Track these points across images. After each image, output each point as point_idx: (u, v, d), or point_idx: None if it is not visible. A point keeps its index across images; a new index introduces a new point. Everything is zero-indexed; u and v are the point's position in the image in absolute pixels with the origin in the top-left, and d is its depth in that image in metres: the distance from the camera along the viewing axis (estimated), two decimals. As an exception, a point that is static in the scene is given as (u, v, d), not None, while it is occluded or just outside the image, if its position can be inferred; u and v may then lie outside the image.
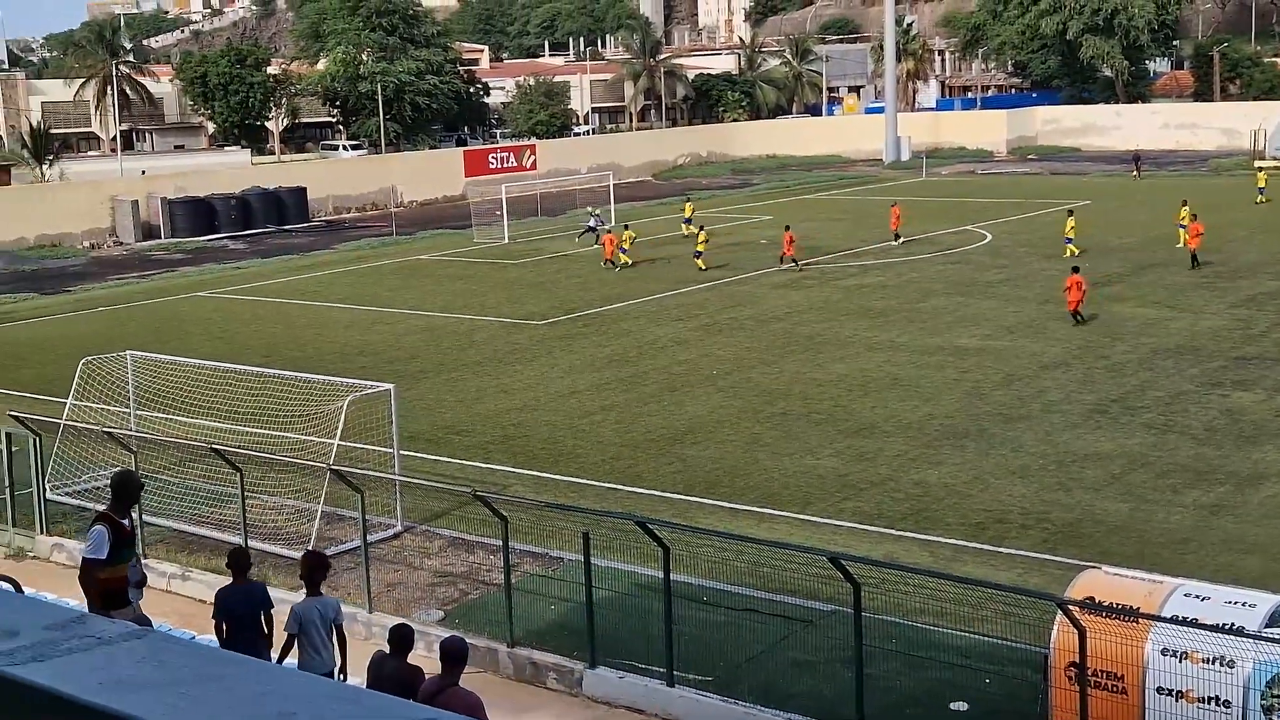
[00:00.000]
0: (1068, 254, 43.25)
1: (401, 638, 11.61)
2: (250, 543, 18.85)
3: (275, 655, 12.57)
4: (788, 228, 45.81)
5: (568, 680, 15.45)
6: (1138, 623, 12.12)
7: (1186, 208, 45.79)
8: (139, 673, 1.93)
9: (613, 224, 53.78)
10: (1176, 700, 11.90)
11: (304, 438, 21.74)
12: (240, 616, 12.81)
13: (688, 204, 56.95)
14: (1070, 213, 45.51)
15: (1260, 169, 59.38)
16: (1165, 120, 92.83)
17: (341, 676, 12.52)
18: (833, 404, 27.06)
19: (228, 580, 13.67)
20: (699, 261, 44.52)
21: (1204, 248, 41.52)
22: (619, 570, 16.97)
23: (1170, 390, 27.04)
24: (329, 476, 18.89)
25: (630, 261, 46.16)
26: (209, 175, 68.64)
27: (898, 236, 49.22)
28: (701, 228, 47.07)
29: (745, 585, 16.89)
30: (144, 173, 71.48)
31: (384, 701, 1.80)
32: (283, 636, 12.70)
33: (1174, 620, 11.94)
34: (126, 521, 12.02)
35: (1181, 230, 44.95)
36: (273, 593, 13.53)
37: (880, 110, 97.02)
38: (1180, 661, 11.86)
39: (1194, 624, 11.80)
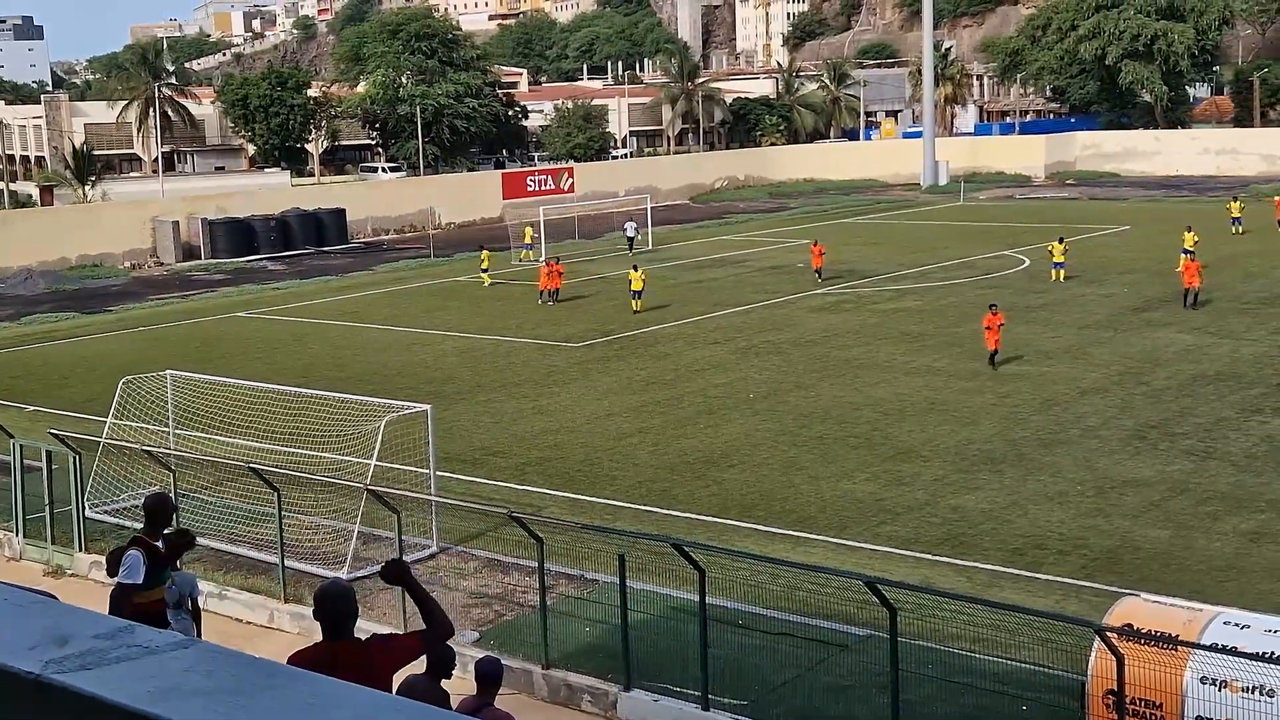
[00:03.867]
0: (1054, 277, 43.72)
1: (442, 661, 11.60)
2: (287, 562, 18.95)
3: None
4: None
5: (602, 703, 15.43)
6: (1177, 650, 12.01)
7: (1191, 233, 45.98)
8: (187, 681, 1.96)
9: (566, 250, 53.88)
10: (1217, 730, 11.77)
11: (341, 458, 21.86)
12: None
13: (484, 252, 53.33)
14: (1060, 240, 45.46)
15: (1235, 198, 58.78)
16: (1205, 146, 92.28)
17: None
18: (870, 428, 26.97)
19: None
20: (635, 303, 41.81)
21: (1244, 273, 41.24)
22: (654, 593, 16.94)
23: (1210, 417, 26.80)
24: (365, 496, 18.98)
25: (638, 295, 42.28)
26: (249, 196, 69.28)
27: (819, 274, 46.64)
28: (635, 266, 43.79)
29: (780, 609, 16.83)
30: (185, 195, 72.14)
31: (430, 713, 1.82)
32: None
33: (1213, 648, 11.82)
34: (160, 544, 12.11)
35: (1183, 256, 45.12)
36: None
37: (918, 135, 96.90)
38: (1220, 690, 11.74)
39: (1234, 652, 11.68)
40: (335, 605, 6.96)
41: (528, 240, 58.28)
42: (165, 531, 12.21)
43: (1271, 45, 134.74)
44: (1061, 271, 44.30)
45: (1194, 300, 38.66)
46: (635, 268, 43.36)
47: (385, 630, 16.33)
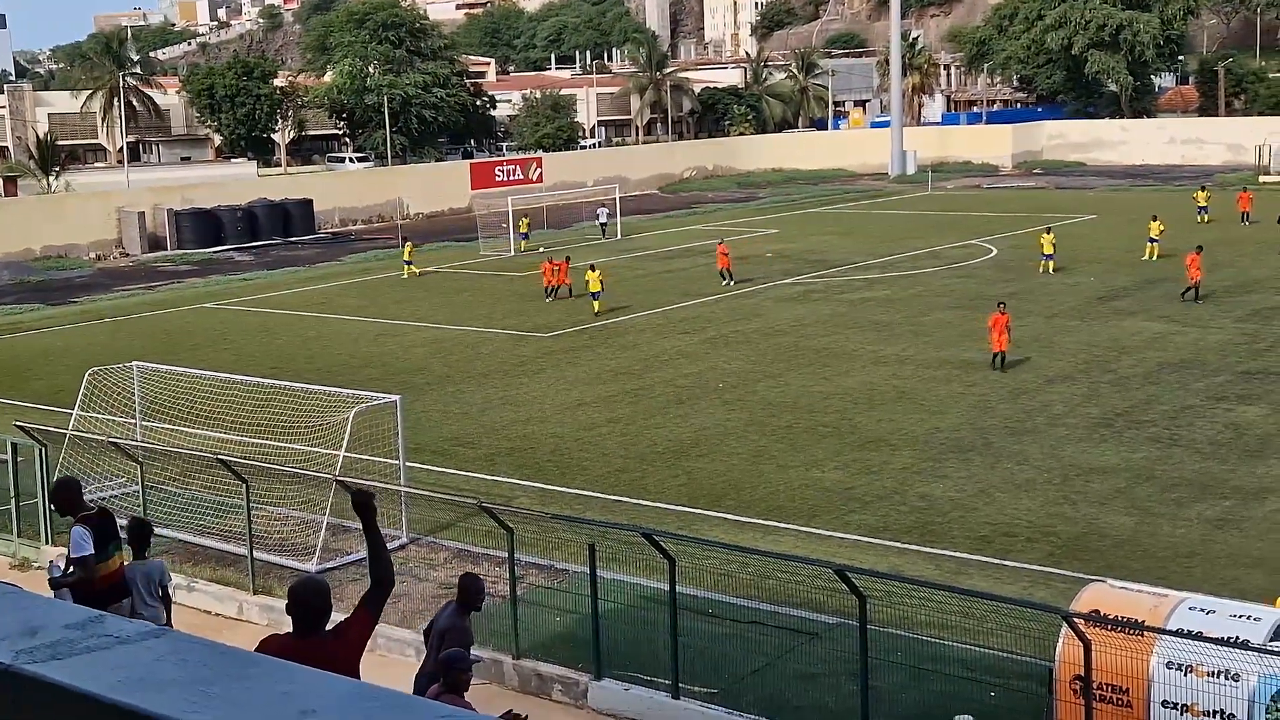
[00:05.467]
0: (1043, 269, 43.66)
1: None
2: (256, 554, 18.88)
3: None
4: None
5: (573, 692, 15.45)
6: (1143, 636, 12.11)
7: (1156, 222, 46.40)
8: (159, 671, 1.95)
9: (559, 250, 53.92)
10: (1181, 714, 11.89)
11: (310, 449, 21.78)
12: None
13: (407, 244, 52.75)
14: (1048, 229, 45.53)
15: (1203, 187, 59.35)
16: (1171, 135, 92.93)
17: None
18: (839, 417, 27.07)
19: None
20: (596, 304, 39.76)
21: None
22: (625, 582, 16.96)
23: (1176, 404, 27.03)
24: (335, 488, 18.91)
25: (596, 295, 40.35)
26: (215, 187, 68.80)
27: (725, 276, 44.20)
28: (593, 266, 41.34)
29: (751, 598, 16.89)
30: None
31: (403, 699, 1.82)
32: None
33: (1179, 634, 11.94)
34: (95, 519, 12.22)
35: (1151, 244, 46.15)
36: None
37: (886, 124, 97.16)
38: (1185, 675, 11.85)
39: (1199, 637, 11.80)
40: (309, 602, 6.95)
41: (523, 230, 58.08)
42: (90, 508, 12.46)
43: (1236, 35, 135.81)
44: (1051, 263, 43.94)
45: (1195, 294, 38.00)
46: (593, 267, 40.94)
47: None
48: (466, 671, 11.18)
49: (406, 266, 50.50)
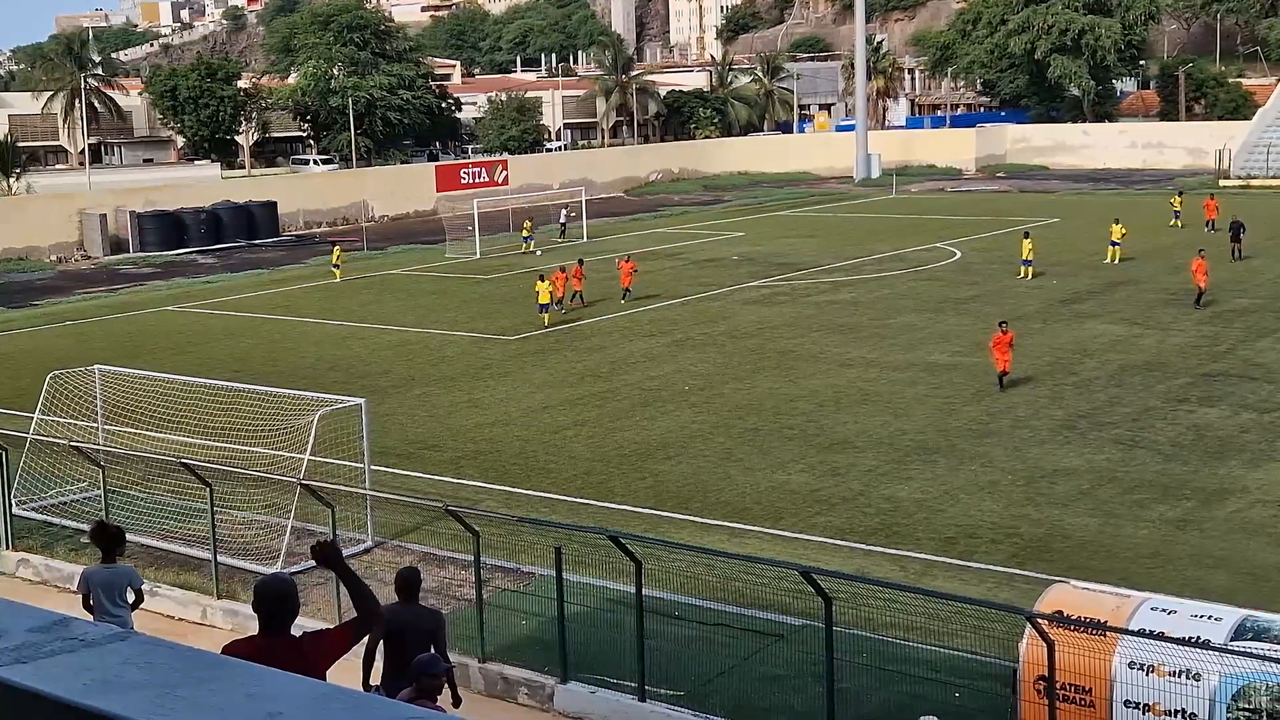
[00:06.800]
0: (1022, 274, 43.70)
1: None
2: (220, 558, 18.77)
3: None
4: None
5: (539, 695, 15.43)
6: (1105, 636, 12.20)
7: (1119, 225, 46.75)
8: (125, 674, 1.94)
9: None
10: (1144, 713, 11.98)
11: (274, 453, 21.65)
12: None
13: (336, 248, 52.57)
14: (1026, 234, 45.60)
15: (1180, 193, 59.91)
16: (1132, 139, 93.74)
17: None
18: (804, 419, 27.15)
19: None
20: (544, 317, 38.58)
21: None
22: (591, 585, 16.95)
23: (1138, 406, 27.25)
24: (299, 491, 18.82)
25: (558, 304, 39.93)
26: (178, 189, 68.33)
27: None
28: (542, 277, 40.08)
29: (717, 600, 16.90)
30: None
31: (369, 700, 1.82)
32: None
33: (1141, 634, 12.03)
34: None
35: (1113, 248, 46.55)
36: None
37: (851, 128, 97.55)
38: (1147, 675, 11.95)
39: (1161, 637, 11.90)
40: (275, 599, 6.91)
41: (526, 232, 57.58)
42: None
43: (1196, 41, 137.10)
44: (1030, 269, 43.85)
45: (1199, 299, 37.77)
46: (542, 277, 39.38)
47: (319, 625, 16.23)
48: (439, 676, 11.16)
49: (335, 270, 50.42)
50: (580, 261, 43.67)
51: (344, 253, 52.55)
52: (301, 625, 7.18)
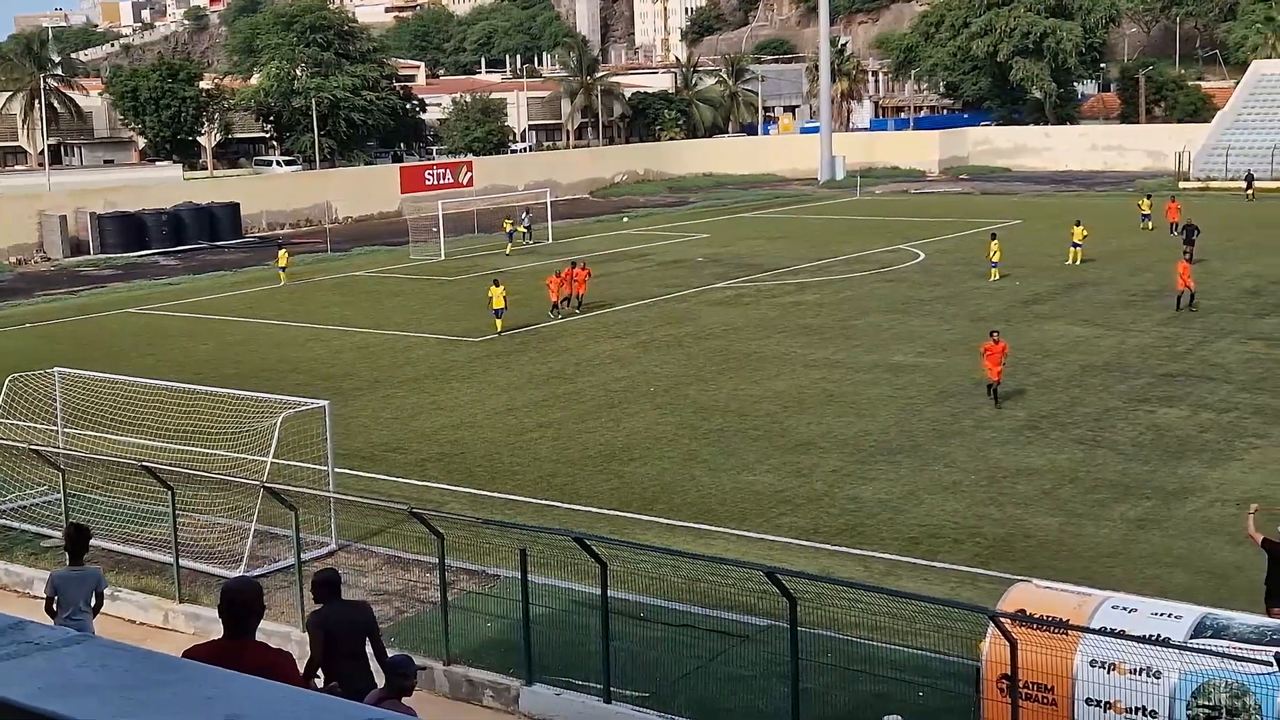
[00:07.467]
0: (992, 278, 43.89)
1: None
2: (182, 562, 18.63)
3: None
4: (581, 264, 42.20)
5: (504, 698, 15.40)
6: (1067, 635, 12.29)
7: (1080, 227, 47.14)
8: (82, 677, 1.93)
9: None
10: (1105, 711, 12.07)
11: (237, 455, 21.51)
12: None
13: (282, 252, 52.03)
14: (994, 236, 45.81)
15: (1148, 196, 60.40)
16: (1093, 142, 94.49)
17: None
18: (769, 420, 27.21)
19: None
20: (498, 323, 37.42)
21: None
22: (556, 587, 16.94)
23: (1099, 406, 27.46)
24: (262, 494, 18.71)
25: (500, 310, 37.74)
26: (140, 190, 67.80)
27: (564, 304, 40.30)
28: (496, 281, 38.90)
29: (682, 601, 16.92)
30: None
31: (329, 702, 1.81)
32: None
33: (1102, 632, 12.12)
34: None
35: (1074, 249, 47.03)
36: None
37: (815, 130, 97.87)
38: (1108, 673, 12.03)
39: (1122, 636, 11.99)
40: (239, 603, 6.88)
41: (510, 228, 57.73)
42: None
43: (1156, 44, 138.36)
44: (997, 271, 44.04)
45: (1183, 301, 37.60)
46: (496, 283, 38.36)
47: (283, 628, 16.18)
48: (411, 677, 11.12)
49: (281, 273, 50.17)
50: (573, 264, 42.09)
51: (293, 256, 52.25)
52: (265, 630, 7.13)
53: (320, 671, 12.20)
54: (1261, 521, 16.15)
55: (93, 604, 13.16)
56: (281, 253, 51.75)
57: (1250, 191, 68.52)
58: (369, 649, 12.39)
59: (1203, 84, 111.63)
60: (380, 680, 11.92)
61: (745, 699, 14.68)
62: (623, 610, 15.99)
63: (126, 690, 1.87)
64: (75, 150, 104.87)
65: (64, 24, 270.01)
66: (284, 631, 16.05)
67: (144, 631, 17.82)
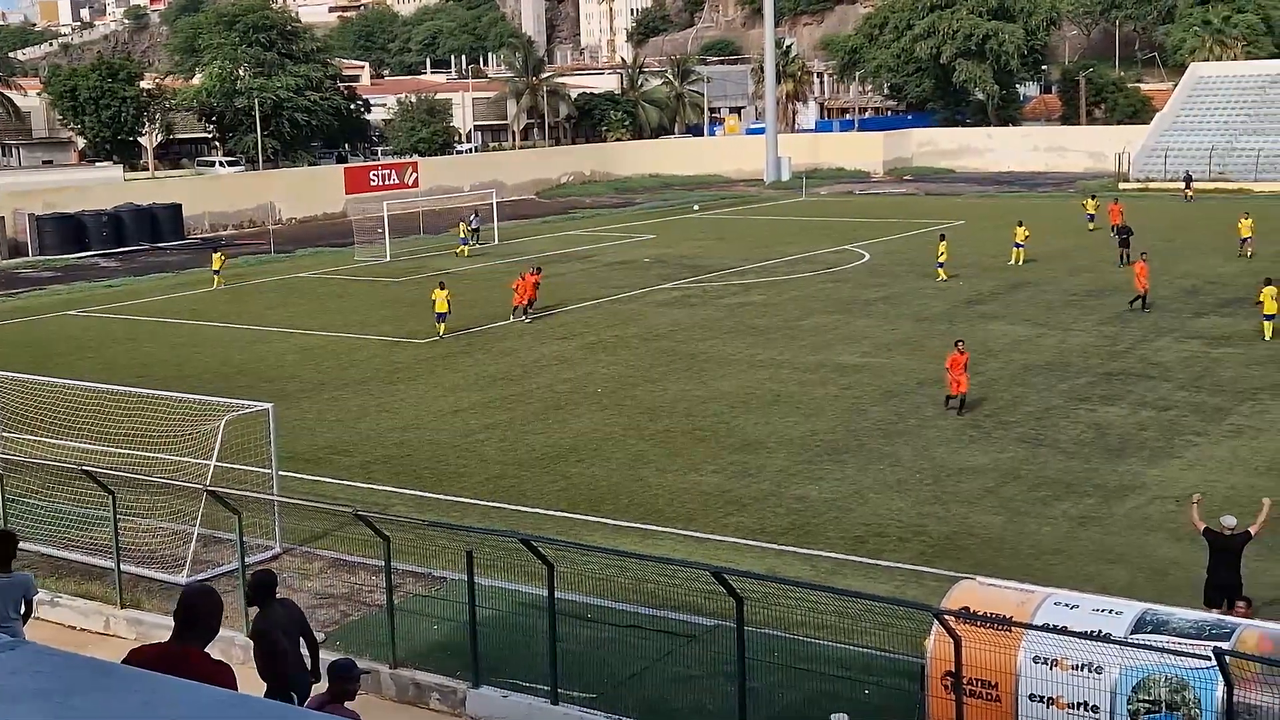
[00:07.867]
0: (940, 277, 44.18)
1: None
2: (124, 566, 18.41)
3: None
4: (539, 269, 41.63)
5: (451, 700, 15.34)
6: (1010, 631, 12.41)
7: (1022, 227, 47.67)
8: (14, 683, 1.90)
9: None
10: (1048, 706, 12.20)
11: (179, 459, 21.27)
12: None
13: (217, 254, 51.00)
14: (942, 237, 46.12)
15: (1093, 197, 61.15)
16: (1035, 143, 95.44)
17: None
18: (716, 421, 27.28)
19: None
20: (440, 327, 37.21)
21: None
22: (503, 589, 16.90)
23: (1040, 405, 27.74)
24: (205, 498, 18.53)
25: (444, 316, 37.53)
26: (79, 191, 66.90)
27: (521, 311, 39.67)
28: (441, 285, 38.29)
29: (629, 602, 16.93)
30: None
31: (269, 707, 1.80)
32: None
33: (1045, 628, 12.26)
34: None
35: (1017, 249, 47.57)
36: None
37: (761, 131, 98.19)
38: (1051, 669, 12.17)
39: (1064, 631, 12.13)
40: (189, 606, 6.81)
41: (462, 233, 57.27)
42: None
43: (1096, 46, 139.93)
44: (944, 270, 44.22)
45: (1143, 302, 37.71)
46: (441, 285, 37.98)
47: (228, 633, 16.01)
48: (354, 681, 11.07)
49: (215, 277, 49.55)
50: (538, 269, 41.73)
51: (228, 259, 51.59)
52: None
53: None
54: (1203, 512, 16.42)
55: (22, 611, 12.93)
56: (216, 255, 50.71)
57: (1189, 192, 69.47)
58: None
59: (1142, 86, 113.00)
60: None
61: (693, 699, 14.71)
62: (570, 611, 15.99)
63: (61, 695, 1.85)
64: (13, 151, 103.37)
65: (1, 23, 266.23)
66: (228, 636, 15.89)
67: (84, 637, 17.61)
